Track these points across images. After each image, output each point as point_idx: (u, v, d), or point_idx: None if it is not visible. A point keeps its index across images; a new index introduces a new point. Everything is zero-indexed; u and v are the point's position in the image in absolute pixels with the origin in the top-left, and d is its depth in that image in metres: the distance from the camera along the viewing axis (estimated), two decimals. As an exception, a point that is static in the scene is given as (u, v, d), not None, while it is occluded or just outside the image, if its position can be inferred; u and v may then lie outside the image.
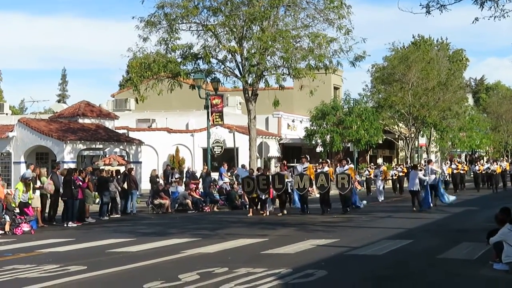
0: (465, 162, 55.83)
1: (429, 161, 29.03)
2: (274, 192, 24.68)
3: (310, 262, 12.04)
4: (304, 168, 24.50)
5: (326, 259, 12.56)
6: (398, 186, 38.36)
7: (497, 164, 39.71)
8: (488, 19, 16.31)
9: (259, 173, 25.48)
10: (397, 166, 42.39)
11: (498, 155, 72.13)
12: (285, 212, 24.11)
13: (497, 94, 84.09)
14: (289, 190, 25.68)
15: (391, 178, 39.47)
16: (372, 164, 47.73)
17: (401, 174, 38.43)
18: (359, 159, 50.00)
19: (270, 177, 24.87)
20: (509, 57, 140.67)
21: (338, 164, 25.90)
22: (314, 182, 24.56)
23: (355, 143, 45.76)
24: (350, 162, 25.46)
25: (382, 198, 32.08)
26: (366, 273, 11.18)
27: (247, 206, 25.99)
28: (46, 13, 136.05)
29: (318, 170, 24.72)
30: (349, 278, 10.82)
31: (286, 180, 24.52)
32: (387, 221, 21.04)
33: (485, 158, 68.00)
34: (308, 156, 26.48)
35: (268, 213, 24.28)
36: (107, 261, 12.69)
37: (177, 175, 31.52)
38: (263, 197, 24.63)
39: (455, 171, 37.99)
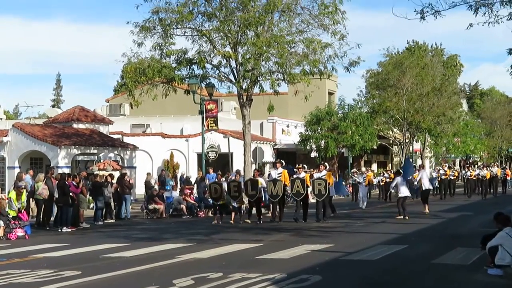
0: (455, 168, 55.79)
1: (421, 166, 29.10)
2: (248, 198, 23.40)
3: (305, 267, 12.04)
4: (278, 174, 23.45)
5: (320, 264, 12.56)
6: (384, 192, 37.67)
7: (487, 170, 39.62)
8: (483, 25, 16.37)
9: (231, 179, 24.76)
10: (384, 172, 42.08)
11: (492, 160, 72.31)
12: (260, 222, 22.78)
13: (491, 99, 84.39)
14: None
15: (377, 184, 39.24)
16: (357, 170, 47.24)
17: (388, 180, 37.00)
18: (353, 164, 50.01)
19: (242, 183, 23.63)
20: (504, 63, 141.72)
21: (315, 170, 24.91)
22: (289, 188, 22.99)
23: (349, 148, 45.82)
24: (328, 167, 24.72)
25: (364, 205, 30.99)
26: (361, 278, 11.18)
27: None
28: (41, 17, 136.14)
29: (294, 176, 23.29)
30: (343, 284, 10.82)
31: (260, 186, 23.18)
32: (381, 227, 21.05)
33: (479, 164, 68.19)
34: (283, 161, 25.77)
35: (242, 222, 22.97)
36: (101, 266, 12.66)
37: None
38: (235, 205, 23.26)
39: (443, 177, 37.93)
